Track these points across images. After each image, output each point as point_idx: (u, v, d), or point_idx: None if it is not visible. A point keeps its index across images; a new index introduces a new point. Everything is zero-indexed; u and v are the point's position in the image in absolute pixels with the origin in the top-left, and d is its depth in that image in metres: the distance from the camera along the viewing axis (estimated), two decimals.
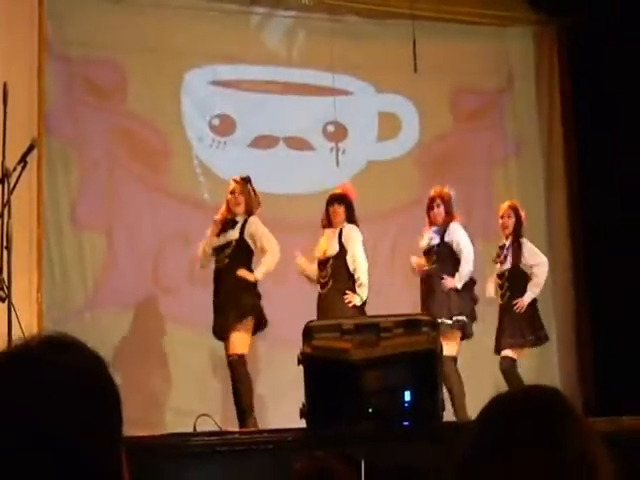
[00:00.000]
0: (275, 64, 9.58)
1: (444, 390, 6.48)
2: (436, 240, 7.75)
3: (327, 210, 7.76)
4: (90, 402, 1.28)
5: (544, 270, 7.86)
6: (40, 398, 1.25)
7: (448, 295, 7.56)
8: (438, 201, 7.78)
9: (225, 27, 9.32)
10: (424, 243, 7.81)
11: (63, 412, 1.25)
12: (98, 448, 1.27)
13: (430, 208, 7.81)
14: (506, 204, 8.01)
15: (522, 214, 7.93)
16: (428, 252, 7.78)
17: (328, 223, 7.76)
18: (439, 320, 7.11)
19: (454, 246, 7.68)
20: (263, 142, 9.43)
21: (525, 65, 10.41)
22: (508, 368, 7.58)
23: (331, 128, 9.62)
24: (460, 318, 7.51)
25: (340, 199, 7.74)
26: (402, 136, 9.95)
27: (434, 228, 7.78)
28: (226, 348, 7.28)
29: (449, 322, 7.42)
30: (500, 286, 7.86)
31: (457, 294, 7.58)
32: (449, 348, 7.19)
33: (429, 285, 7.67)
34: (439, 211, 7.76)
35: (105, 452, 1.28)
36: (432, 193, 7.87)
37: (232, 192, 7.52)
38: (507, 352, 7.66)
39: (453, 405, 7.21)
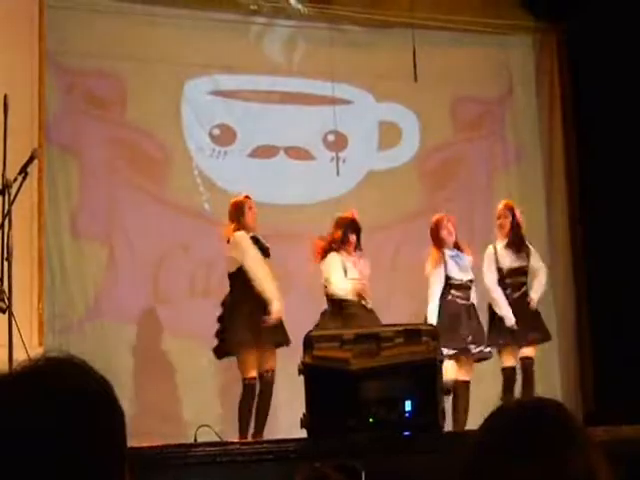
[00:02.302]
0: (275, 74, 9.58)
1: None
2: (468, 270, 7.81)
3: (346, 234, 7.64)
4: (96, 422, 1.30)
5: (544, 275, 7.97)
6: (48, 418, 1.27)
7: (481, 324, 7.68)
8: (448, 221, 7.83)
9: (225, 37, 9.33)
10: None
11: (70, 431, 1.27)
12: (103, 466, 1.29)
13: (442, 227, 7.81)
14: (502, 204, 8.03)
15: (518, 213, 7.97)
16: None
17: (341, 246, 7.65)
18: (475, 348, 7.21)
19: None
20: (263, 152, 9.43)
21: (525, 73, 10.42)
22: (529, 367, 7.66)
23: (331, 137, 9.62)
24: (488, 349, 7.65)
25: (356, 227, 7.68)
26: (403, 145, 9.95)
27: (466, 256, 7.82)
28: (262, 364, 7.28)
29: (486, 350, 7.57)
30: (510, 284, 7.88)
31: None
32: (467, 372, 7.33)
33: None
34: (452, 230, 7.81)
35: (109, 469, 1.30)
36: (441, 215, 7.90)
37: (251, 207, 7.48)
38: (527, 352, 7.70)
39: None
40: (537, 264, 7.96)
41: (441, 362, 6.13)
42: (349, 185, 9.43)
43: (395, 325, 6.21)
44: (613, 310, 9.12)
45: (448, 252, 7.75)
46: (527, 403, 1.51)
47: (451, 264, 7.72)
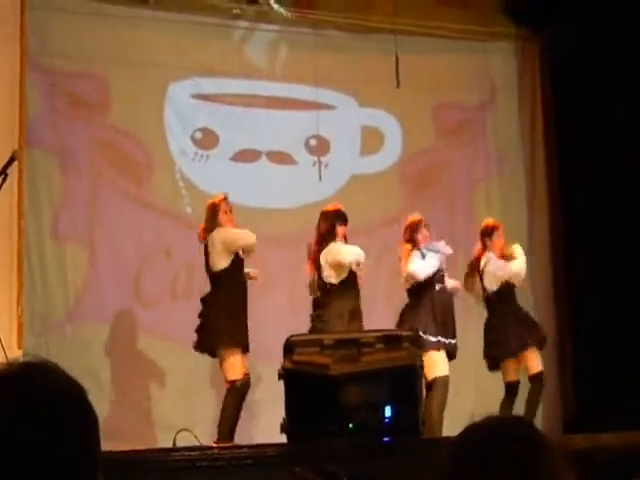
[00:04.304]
0: (258, 78, 9.57)
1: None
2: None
3: (334, 225, 7.57)
4: (69, 426, 1.31)
5: None
6: (19, 422, 1.28)
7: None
8: (424, 226, 7.81)
9: (208, 40, 9.32)
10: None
11: (42, 436, 1.28)
12: (76, 470, 1.30)
13: (419, 231, 7.79)
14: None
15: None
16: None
17: (335, 238, 7.64)
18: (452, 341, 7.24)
19: None
20: (245, 156, 9.42)
21: (507, 80, 10.45)
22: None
23: (314, 142, 9.62)
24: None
25: (343, 217, 7.68)
26: (385, 150, 9.97)
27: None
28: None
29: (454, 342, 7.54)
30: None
31: None
32: (446, 366, 7.32)
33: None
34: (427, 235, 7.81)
35: (82, 474, 1.31)
36: (419, 216, 7.89)
37: (226, 212, 7.45)
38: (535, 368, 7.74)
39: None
40: None
41: (421, 367, 6.13)
42: (331, 190, 9.42)
43: (375, 331, 6.21)
44: (594, 318, 9.15)
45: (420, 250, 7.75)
46: (497, 420, 1.57)
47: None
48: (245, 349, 7.13)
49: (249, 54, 9.61)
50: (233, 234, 7.30)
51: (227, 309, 7.11)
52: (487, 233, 7.93)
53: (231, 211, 7.41)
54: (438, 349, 7.39)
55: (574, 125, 9.64)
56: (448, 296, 7.69)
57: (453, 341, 7.51)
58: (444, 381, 7.36)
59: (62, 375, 1.35)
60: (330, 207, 7.74)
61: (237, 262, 7.27)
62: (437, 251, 7.71)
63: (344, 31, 9.79)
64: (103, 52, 8.91)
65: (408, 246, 7.73)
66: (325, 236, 7.52)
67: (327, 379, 5.80)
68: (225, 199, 7.45)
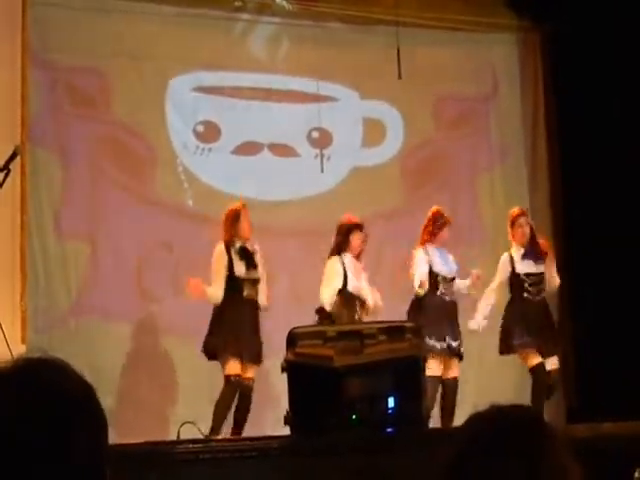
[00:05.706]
0: (259, 71, 9.57)
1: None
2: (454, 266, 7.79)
3: (349, 238, 7.62)
4: (75, 425, 1.30)
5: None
6: (25, 421, 1.27)
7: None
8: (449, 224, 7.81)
9: (209, 34, 9.31)
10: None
11: (47, 434, 1.27)
12: (82, 469, 1.29)
13: (447, 224, 7.80)
14: (518, 211, 7.99)
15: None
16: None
17: (347, 249, 7.63)
18: (454, 343, 7.21)
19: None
20: (247, 149, 9.42)
21: (509, 71, 10.44)
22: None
23: (316, 134, 9.62)
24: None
25: (354, 227, 7.67)
26: (387, 142, 9.96)
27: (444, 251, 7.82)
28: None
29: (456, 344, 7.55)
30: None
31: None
32: (438, 367, 7.32)
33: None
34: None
35: (89, 472, 1.30)
36: (436, 211, 7.88)
37: (246, 216, 7.45)
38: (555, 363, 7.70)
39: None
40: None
41: (425, 359, 6.14)
42: (333, 182, 9.42)
43: (378, 322, 6.22)
44: (596, 307, 9.15)
45: (433, 248, 7.74)
46: (501, 409, 1.58)
47: (437, 260, 7.71)
48: (252, 360, 7.21)
49: (251, 47, 9.60)
50: (211, 288, 7.30)
51: (223, 321, 7.20)
52: (510, 223, 7.94)
53: (246, 216, 7.44)
54: (441, 355, 7.40)
55: (576, 115, 9.63)
56: (452, 301, 7.71)
57: (454, 343, 7.53)
58: (431, 381, 7.32)
59: (69, 373, 1.34)
60: (344, 219, 7.75)
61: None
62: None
63: (346, 23, 9.79)
64: (104, 47, 8.91)
65: (425, 237, 7.78)
66: (336, 248, 7.59)
67: (330, 371, 5.81)
68: (245, 206, 7.47)
